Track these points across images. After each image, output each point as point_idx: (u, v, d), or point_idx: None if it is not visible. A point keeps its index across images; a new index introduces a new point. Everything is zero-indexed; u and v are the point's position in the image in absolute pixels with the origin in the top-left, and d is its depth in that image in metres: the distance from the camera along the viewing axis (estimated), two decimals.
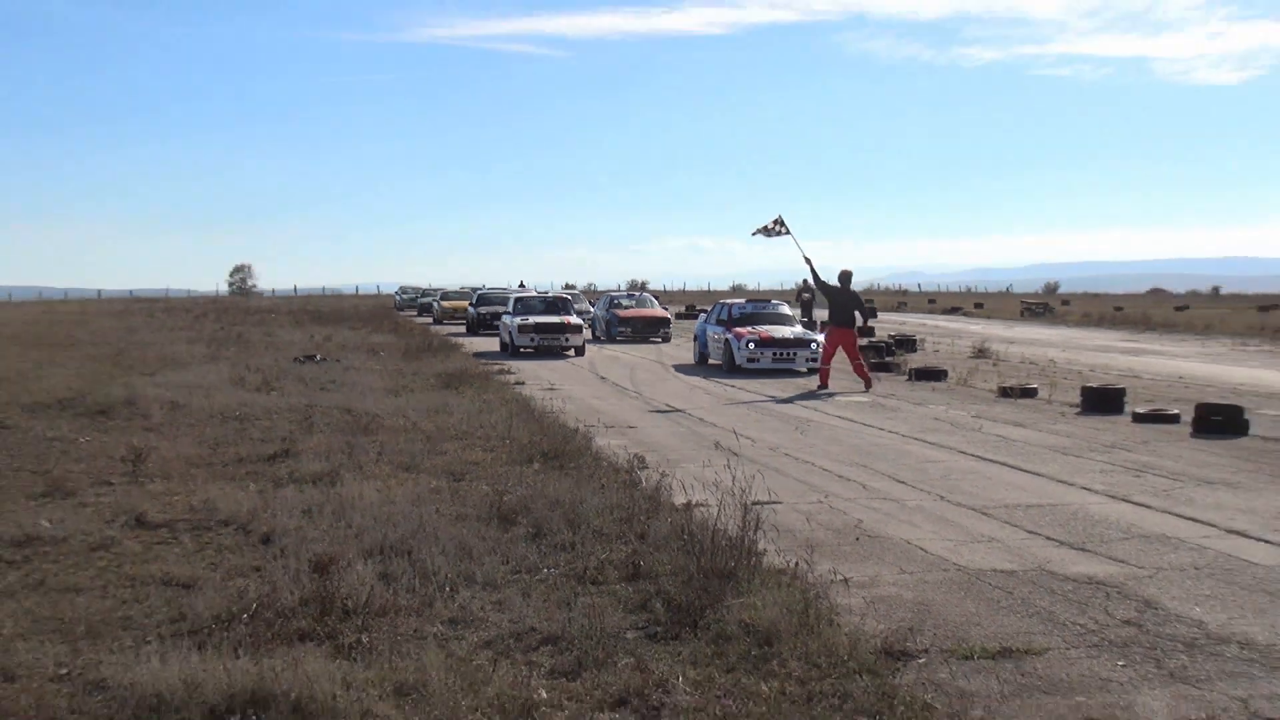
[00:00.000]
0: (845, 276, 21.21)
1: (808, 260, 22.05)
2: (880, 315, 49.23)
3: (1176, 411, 15.74)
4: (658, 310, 37.17)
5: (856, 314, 21.03)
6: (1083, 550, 8.37)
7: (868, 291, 78.61)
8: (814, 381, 21.13)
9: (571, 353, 29.01)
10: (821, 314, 42.24)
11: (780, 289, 79.49)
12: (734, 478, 7.97)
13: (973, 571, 7.77)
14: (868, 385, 20.10)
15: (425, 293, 65.57)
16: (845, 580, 7.37)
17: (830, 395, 19.37)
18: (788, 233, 22.14)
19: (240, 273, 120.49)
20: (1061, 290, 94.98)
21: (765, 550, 7.39)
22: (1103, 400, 16.88)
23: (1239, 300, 67.95)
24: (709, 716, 5.03)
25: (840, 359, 20.95)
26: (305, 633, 6.00)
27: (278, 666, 5.26)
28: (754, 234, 22.57)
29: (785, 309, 27.20)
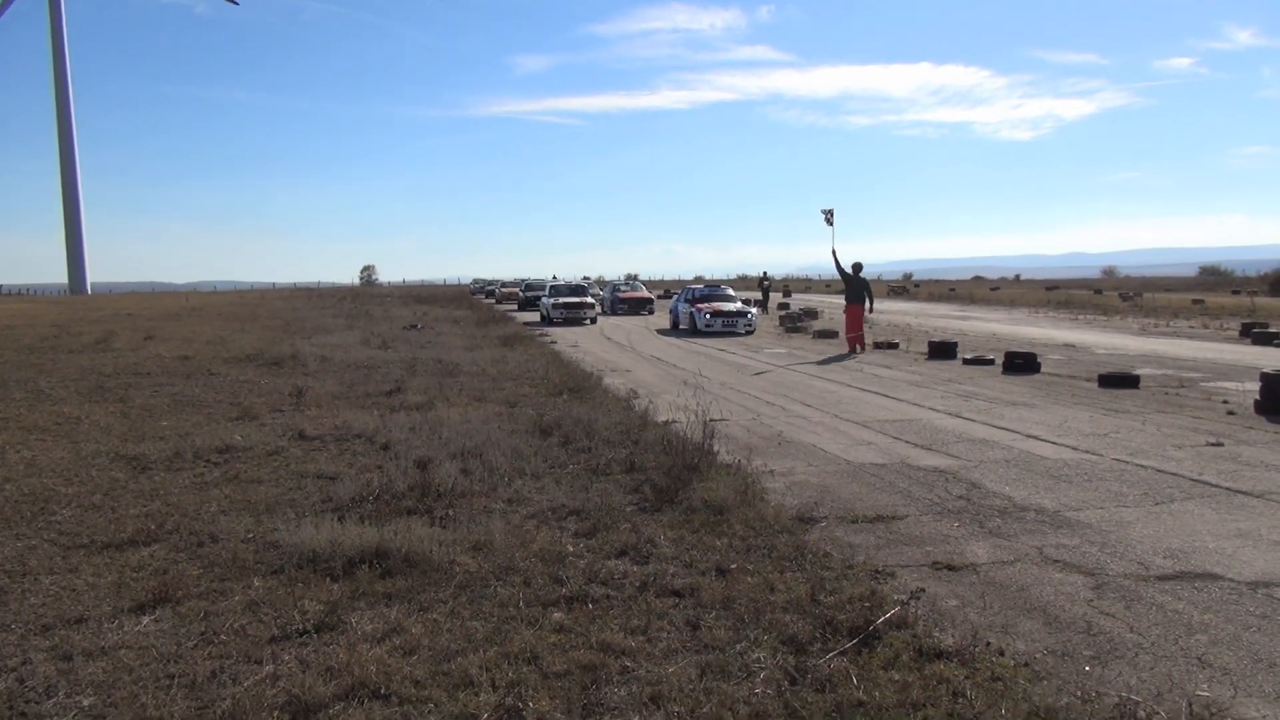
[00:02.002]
0: (857, 267, 18.88)
1: (834, 252, 18.92)
2: (794, 295, 48.98)
3: (992, 357, 15.72)
4: (645, 293, 37.14)
5: (865, 295, 18.69)
6: (930, 449, 8.35)
7: (781, 279, 77.62)
8: (749, 339, 20.94)
9: (589, 322, 28.90)
10: (775, 297, 41.91)
11: (726, 278, 78.90)
12: (697, 404, 7.93)
13: (856, 464, 7.74)
14: (862, 349, 17.91)
15: (489, 283, 65.26)
16: (771, 471, 7.35)
17: (850, 357, 17.16)
18: (830, 225, 19.07)
19: (367, 269, 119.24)
20: (915, 277, 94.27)
21: (718, 451, 7.33)
22: (942, 350, 16.83)
23: (1032, 284, 67.62)
24: (681, 561, 5.01)
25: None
26: (411, 509, 5.95)
27: (393, 531, 5.21)
28: (826, 219, 18.94)
29: (730, 291, 27.12)
